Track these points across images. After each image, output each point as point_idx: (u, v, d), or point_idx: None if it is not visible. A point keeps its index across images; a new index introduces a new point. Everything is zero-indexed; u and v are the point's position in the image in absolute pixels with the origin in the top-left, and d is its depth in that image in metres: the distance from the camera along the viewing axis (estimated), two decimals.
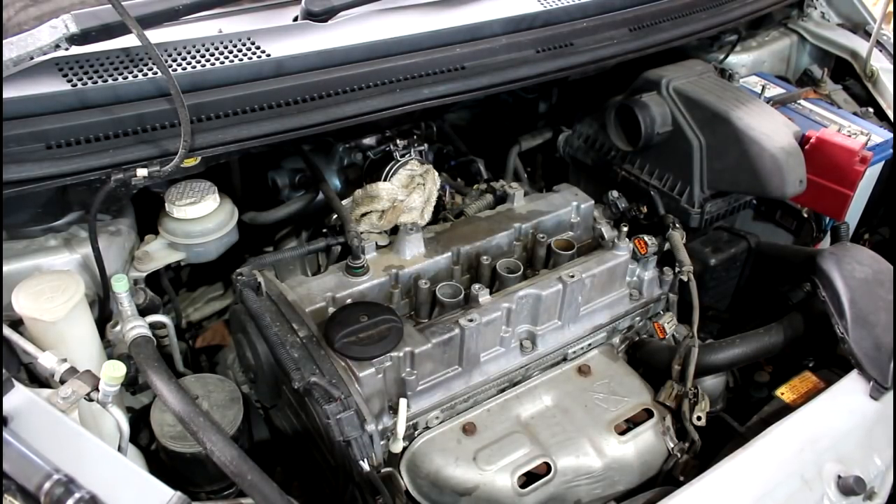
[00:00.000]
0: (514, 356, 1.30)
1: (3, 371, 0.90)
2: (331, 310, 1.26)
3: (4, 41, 1.08)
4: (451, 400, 1.22)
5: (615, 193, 1.60)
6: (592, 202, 1.55)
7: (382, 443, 1.16)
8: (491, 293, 1.28)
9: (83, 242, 1.24)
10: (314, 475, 1.27)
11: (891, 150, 1.68)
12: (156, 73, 1.17)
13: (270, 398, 1.31)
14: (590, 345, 1.40)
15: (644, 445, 1.24)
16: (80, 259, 1.24)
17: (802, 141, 1.56)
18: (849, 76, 2.00)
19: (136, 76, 1.17)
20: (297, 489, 1.39)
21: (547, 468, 1.17)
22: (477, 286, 1.28)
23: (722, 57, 1.98)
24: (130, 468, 0.88)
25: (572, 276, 1.31)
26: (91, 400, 0.99)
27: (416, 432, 1.21)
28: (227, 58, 1.25)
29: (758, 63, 2.04)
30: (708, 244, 1.54)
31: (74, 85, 1.13)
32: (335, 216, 1.48)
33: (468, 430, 1.21)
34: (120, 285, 1.16)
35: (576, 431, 1.22)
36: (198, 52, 1.24)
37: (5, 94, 1.07)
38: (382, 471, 1.12)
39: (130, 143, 1.13)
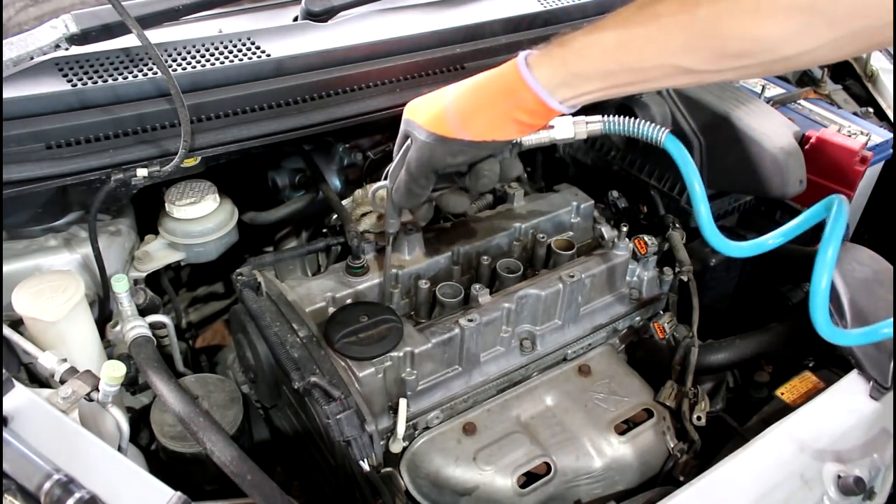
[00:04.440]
0: (514, 356, 1.30)
1: (3, 371, 0.90)
2: (331, 310, 1.26)
3: (4, 41, 1.08)
4: (451, 400, 1.22)
5: (615, 193, 1.60)
6: (592, 202, 1.55)
7: (382, 443, 1.16)
8: (491, 293, 1.28)
9: (83, 242, 1.24)
10: (314, 475, 1.27)
11: (891, 150, 1.68)
12: (156, 73, 1.17)
13: (270, 398, 1.31)
14: (590, 345, 1.40)
15: (644, 445, 1.24)
16: (80, 259, 1.24)
17: (802, 141, 1.56)
18: (849, 76, 2.00)
19: (136, 76, 1.17)
20: (297, 489, 1.39)
21: (547, 468, 1.17)
22: (477, 286, 1.28)
23: None
24: (130, 468, 0.88)
25: (572, 276, 1.31)
26: (91, 400, 1.00)
27: (416, 432, 1.21)
28: (227, 58, 1.25)
29: None
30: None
31: (74, 85, 1.13)
32: (335, 216, 1.48)
33: (468, 430, 1.21)
34: (120, 285, 1.16)
35: (576, 431, 1.22)
36: (198, 52, 1.24)
37: (5, 94, 1.07)
38: (382, 471, 1.12)
39: (130, 143, 1.13)
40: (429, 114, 1.05)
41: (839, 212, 0.95)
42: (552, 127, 1.14)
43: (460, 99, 1.03)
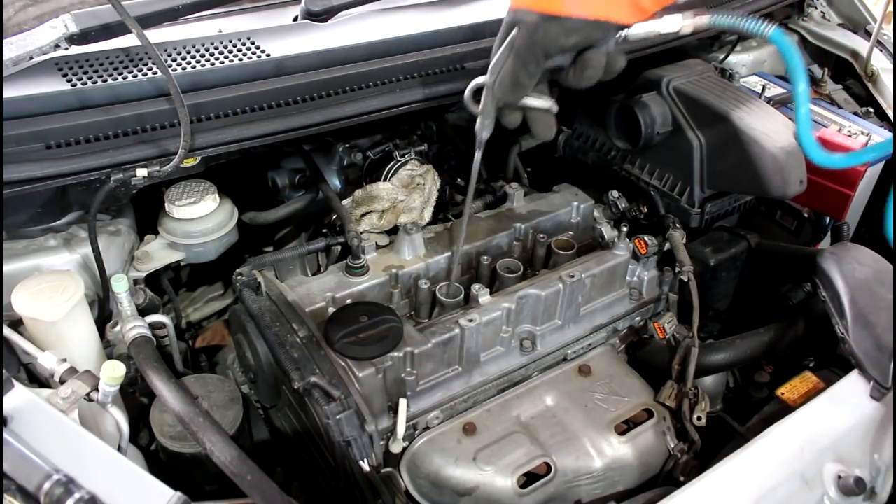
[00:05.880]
0: (515, 356, 1.30)
1: (3, 371, 0.90)
2: (331, 310, 1.26)
3: (4, 41, 1.08)
4: (451, 400, 1.22)
5: (615, 193, 1.60)
6: (592, 202, 1.55)
7: (382, 443, 1.16)
8: (491, 293, 1.28)
9: (83, 242, 1.24)
10: (314, 475, 1.27)
11: (891, 150, 1.67)
12: (156, 73, 1.17)
13: (270, 398, 1.31)
14: (590, 345, 1.40)
15: (644, 445, 1.24)
16: (80, 259, 1.24)
17: None
18: (849, 76, 2.00)
19: (135, 76, 1.17)
20: (297, 489, 1.39)
21: (547, 468, 1.17)
22: (477, 286, 1.28)
23: (722, 57, 1.98)
24: (130, 468, 0.88)
25: (572, 276, 1.30)
26: (91, 400, 0.99)
27: (416, 432, 1.21)
28: (227, 58, 1.25)
29: (758, 63, 2.04)
30: (708, 244, 1.54)
31: (74, 85, 1.13)
32: (335, 216, 1.48)
33: (468, 430, 1.21)
34: (120, 285, 1.16)
35: (576, 431, 1.22)
36: (198, 52, 1.24)
37: (5, 94, 1.07)
38: (382, 471, 1.12)
39: (130, 143, 1.13)
40: None
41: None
42: (660, 21, 1.09)
43: None
